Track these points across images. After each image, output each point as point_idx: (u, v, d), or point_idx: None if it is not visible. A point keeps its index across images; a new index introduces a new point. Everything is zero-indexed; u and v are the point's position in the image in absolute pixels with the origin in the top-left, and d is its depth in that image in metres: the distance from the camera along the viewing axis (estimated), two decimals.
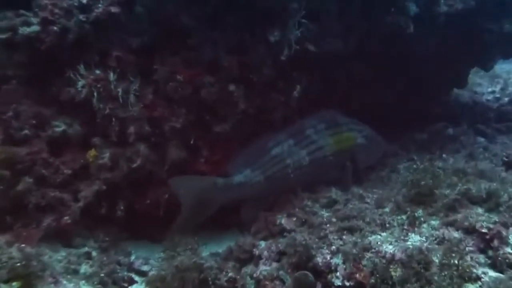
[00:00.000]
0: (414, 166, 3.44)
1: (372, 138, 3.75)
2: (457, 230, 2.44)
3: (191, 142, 3.12)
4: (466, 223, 2.42)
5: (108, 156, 2.78)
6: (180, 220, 2.94)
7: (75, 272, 2.53)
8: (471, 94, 5.84)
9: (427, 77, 4.28)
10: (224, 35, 3.00)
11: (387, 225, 2.66)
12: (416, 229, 2.56)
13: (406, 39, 3.71)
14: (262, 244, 2.89)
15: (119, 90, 2.73)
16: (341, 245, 2.53)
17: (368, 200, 3.08)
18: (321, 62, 3.43)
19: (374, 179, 3.73)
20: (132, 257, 3.04)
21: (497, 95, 6.00)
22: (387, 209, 2.88)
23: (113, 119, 2.77)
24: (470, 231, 2.40)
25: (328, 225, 2.76)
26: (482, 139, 4.20)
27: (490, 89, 6.19)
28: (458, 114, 4.96)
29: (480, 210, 2.56)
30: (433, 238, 2.43)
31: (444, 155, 3.69)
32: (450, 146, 4.24)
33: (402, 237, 2.50)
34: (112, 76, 2.71)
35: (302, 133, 3.42)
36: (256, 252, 2.82)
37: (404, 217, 2.70)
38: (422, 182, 2.83)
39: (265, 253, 2.76)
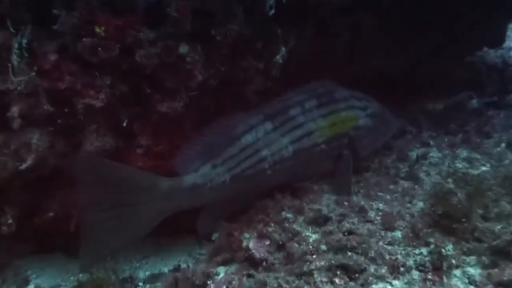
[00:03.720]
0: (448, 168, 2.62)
1: (379, 117, 2.80)
2: None
3: (124, 124, 2.16)
4: None
5: None
6: (87, 240, 2.02)
7: None
8: (498, 49, 4.79)
9: (456, 33, 3.28)
10: None
11: (401, 267, 1.82)
12: (445, 279, 1.73)
13: None
14: (221, 272, 2.07)
15: None
16: None
17: (372, 215, 2.20)
18: (316, 14, 2.41)
19: (376, 169, 2.82)
20: None
21: None
22: (398, 234, 2.03)
23: None
24: None
25: (314, 257, 1.92)
26: None
27: None
28: (485, 80, 3.97)
29: None
30: None
31: None
32: (474, 124, 3.30)
33: None
34: None
35: (285, 113, 2.47)
36: (211, 286, 1.99)
37: (424, 251, 1.88)
38: (455, 199, 1.94)
39: None
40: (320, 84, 2.60)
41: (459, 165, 2.69)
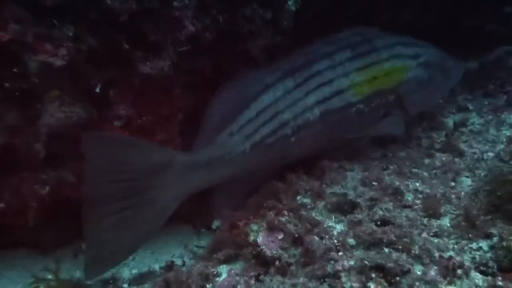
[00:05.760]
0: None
1: (436, 65, 2.32)
2: None
3: (97, 90, 1.73)
4: None
5: None
6: (93, 245, 1.66)
7: None
8: None
9: None
10: None
11: (458, 268, 1.40)
12: None
13: None
14: (223, 273, 1.67)
15: None
16: None
17: (410, 199, 1.79)
18: None
19: (405, 140, 2.41)
20: None
21: None
22: (446, 222, 1.64)
23: None
24: None
25: (340, 254, 1.51)
26: None
27: None
28: None
29: None
30: None
31: None
32: None
33: None
34: None
35: (308, 67, 2.06)
36: None
37: (484, 246, 1.49)
38: None
39: None
40: (355, 30, 2.17)
41: (507, 132, 2.32)
